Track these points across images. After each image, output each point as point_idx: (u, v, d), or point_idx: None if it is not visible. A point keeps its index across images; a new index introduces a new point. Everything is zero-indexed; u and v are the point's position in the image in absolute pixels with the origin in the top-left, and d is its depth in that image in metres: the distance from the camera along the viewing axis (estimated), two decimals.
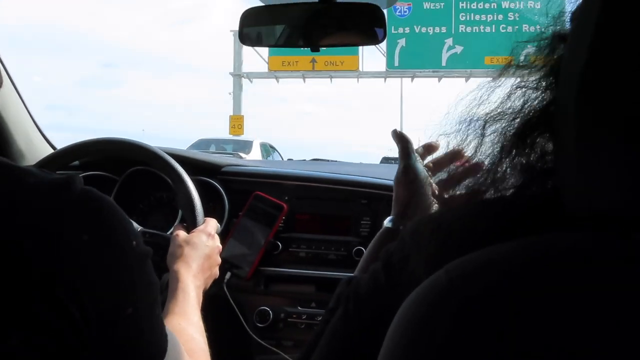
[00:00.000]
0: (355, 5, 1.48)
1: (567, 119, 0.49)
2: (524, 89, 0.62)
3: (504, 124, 0.63)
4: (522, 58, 0.66)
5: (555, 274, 0.44)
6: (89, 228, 0.67)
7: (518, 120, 0.61)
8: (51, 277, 0.62)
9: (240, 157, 12.64)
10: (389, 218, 1.07)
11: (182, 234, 1.43)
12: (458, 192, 0.93)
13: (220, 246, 1.50)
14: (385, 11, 1.48)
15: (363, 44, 1.56)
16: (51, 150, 2.13)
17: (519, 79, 0.63)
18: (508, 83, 0.64)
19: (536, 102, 0.60)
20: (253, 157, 14.17)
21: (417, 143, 1.09)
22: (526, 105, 0.61)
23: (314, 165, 2.68)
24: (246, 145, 15.29)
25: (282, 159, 16.67)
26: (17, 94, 1.97)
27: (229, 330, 1.79)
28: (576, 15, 0.57)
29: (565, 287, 0.43)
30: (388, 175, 1.93)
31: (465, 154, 0.73)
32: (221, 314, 1.76)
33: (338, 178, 1.93)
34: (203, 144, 15.77)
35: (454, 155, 0.99)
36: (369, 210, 1.83)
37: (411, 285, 0.51)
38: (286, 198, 1.87)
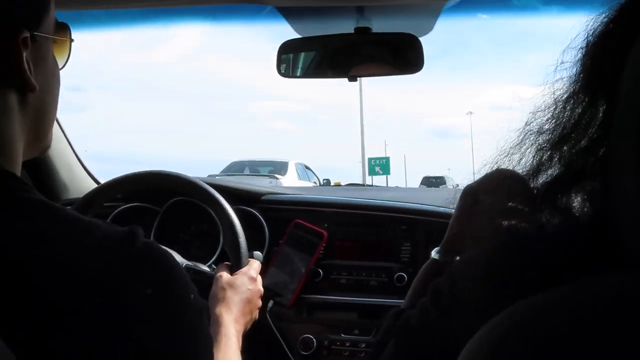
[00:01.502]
0: (391, 35, 1.50)
1: (626, 165, 0.49)
2: (539, 151, 0.64)
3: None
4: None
5: (625, 318, 0.43)
6: (151, 282, 0.69)
7: (536, 180, 0.64)
8: (117, 330, 0.64)
9: (277, 179, 12.65)
10: (436, 249, 1.06)
11: (225, 275, 1.43)
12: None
13: (262, 290, 1.50)
14: (421, 39, 1.48)
15: (401, 73, 1.57)
16: (93, 183, 2.18)
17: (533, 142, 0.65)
18: (527, 145, 0.67)
19: (552, 161, 0.63)
20: (289, 179, 14.07)
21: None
22: (543, 166, 0.63)
23: (351, 192, 2.70)
24: (282, 167, 15.01)
25: (318, 179, 16.57)
26: (60, 128, 2.02)
27: (273, 359, 1.80)
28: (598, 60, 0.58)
29: (636, 331, 0.42)
30: (426, 200, 1.93)
31: None
32: (265, 343, 1.76)
33: (377, 204, 1.94)
34: (236, 167, 15.68)
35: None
36: (409, 236, 1.83)
37: (466, 326, 0.52)
38: (326, 225, 1.88)
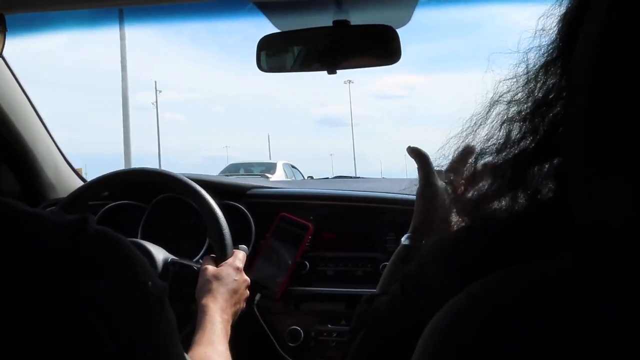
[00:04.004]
0: (369, 27, 1.51)
1: (576, 141, 0.50)
2: (507, 123, 0.63)
3: (493, 159, 0.64)
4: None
5: (575, 294, 0.44)
6: (105, 274, 0.66)
7: (504, 154, 0.63)
8: (71, 322, 0.62)
9: (267, 178, 13.27)
10: (405, 235, 1.08)
11: (210, 268, 1.45)
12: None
13: (248, 280, 1.52)
14: (398, 31, 1.50)
15: (379, 65, 1.59)
16: (79, 181, 2.19)
17: (502, 114, 0.64)
18: (493, 116, 0.65)
19: (522, 134, 0.61)
20: (278, 176, 15.37)
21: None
22: (512, 139, 0.62)
23: (337, 184, 2.71)
24: (271, 167, 16.74)
25: (303, 176, 18.00)
26: (44, 128, 2.03)
27: (261, 352, 1.82)
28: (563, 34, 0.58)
29: (586, 307, 0.43)
30: (410, 190, 1.95)
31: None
32: (252, 336, 1.78)
33: (361, 195, 1.96)
34: (233, 168, 17.61)
35: (467, 153, 1.00)
36: (394, 226, 1.85)
37: (430, 308, 0.52)
38: (311, 218, 1.90)
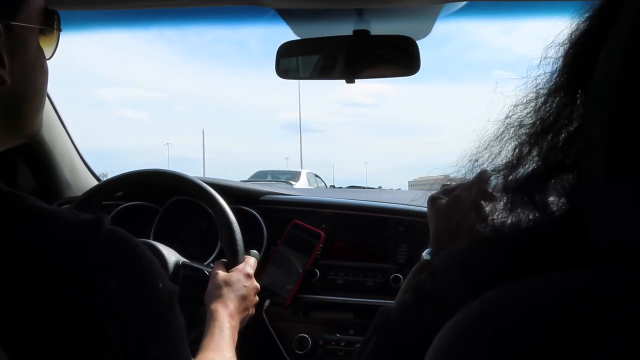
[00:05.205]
0: (388, 38, 1.51)
1: (596, 157, 0.50)
2: (518, 143, 0.65)
3: (504, 177, 0.66)
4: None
5: (589, 309, 0.44)
6: (117, 274, 0.67)
7: (515, 173, 0.64)
8: (82, 320, 0.62)
9: (291, 185, 13.74)
10: (427, 250, 1.07)
11: (221, 273, 1.45)
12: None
13: (258, 286, 1.51)
14: (418, 43, 1.50)
15: (398, 75, 1.58)
16: (94, 181, 2.21)
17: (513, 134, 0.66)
18: (505, 136, 0.67)
19: (533, 153, 0.63)
20: (301, 184, 16.21)
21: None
22: (523, 158, 0.64)
23: (350, 193, 2.70)
24: (295, 175, 17.88)
25: (326, 185, 19.04)
26: (62, 126, 2.05)
27: (268, 358, 1.82)
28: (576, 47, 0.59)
29: (599, 322, 0.43)
30: (424, 203, 1.94)
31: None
32: (260, 341, 1.78)
33: (375, 206, 1.95)
34: (261, 175, 18.62)
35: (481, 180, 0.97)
36: (406, 238, 1.84)
37: (442, 317, 0.53)
38: (324, 226, 1.89)
